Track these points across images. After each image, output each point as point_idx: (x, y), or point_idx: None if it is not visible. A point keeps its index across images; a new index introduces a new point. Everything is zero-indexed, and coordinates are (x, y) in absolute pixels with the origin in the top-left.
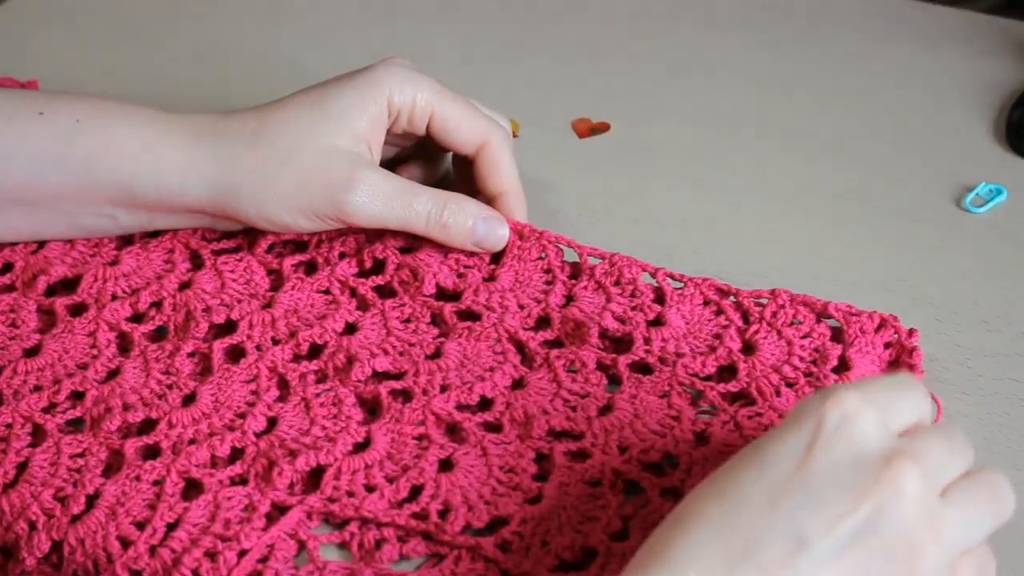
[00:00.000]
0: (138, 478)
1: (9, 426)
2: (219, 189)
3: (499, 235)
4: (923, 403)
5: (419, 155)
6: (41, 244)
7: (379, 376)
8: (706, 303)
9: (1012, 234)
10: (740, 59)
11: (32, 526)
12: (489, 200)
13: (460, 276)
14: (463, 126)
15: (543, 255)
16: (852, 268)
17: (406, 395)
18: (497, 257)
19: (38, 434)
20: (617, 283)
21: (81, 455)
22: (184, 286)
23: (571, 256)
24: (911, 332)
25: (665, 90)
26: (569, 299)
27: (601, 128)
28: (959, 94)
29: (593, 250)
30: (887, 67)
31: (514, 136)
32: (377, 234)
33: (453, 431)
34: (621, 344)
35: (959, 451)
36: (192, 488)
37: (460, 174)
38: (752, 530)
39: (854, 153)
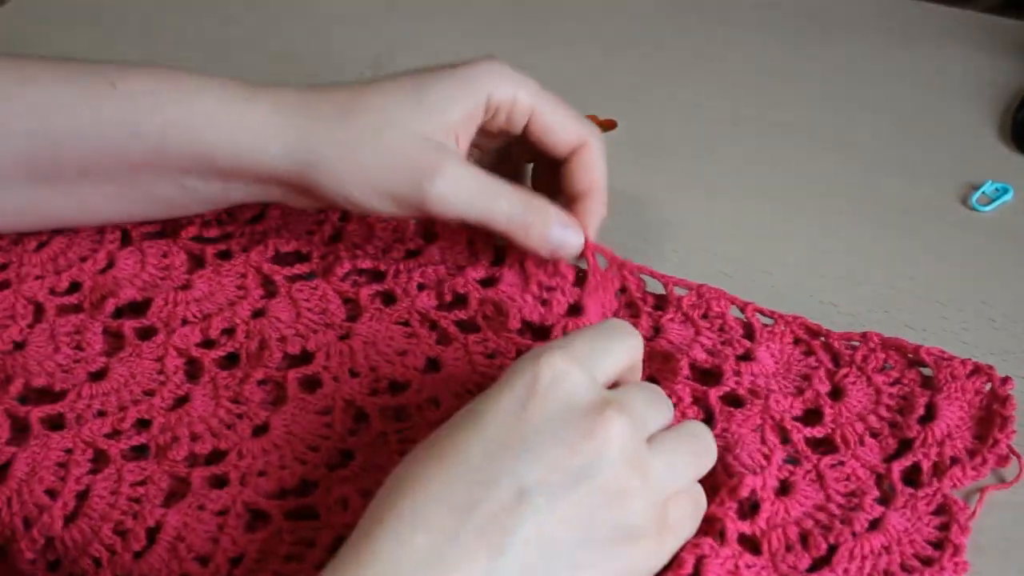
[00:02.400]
0: (202, 507)
1: (69, 451)
2: (299, 159)
3: (573, 244)
4: (629, 350)
5: (500, 166)
6: (110, 264)
7: None
8: (796, 342)
9: (1018, 232)
10: (745, 58)
11: (97, 563)
12: (571, 198)
13: (545, 304)
14: (565, 127)
15: (623, 289)
16: (859, 267)
17: None
18: (579, 280)
19: (100, 460)
20: (705, 316)
21: (142, 483)
22: (258, 314)
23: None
24: (1005, 380)
25: (672, 88)
26: (656, 330)
27: (608, 126)
28: (965, 93)
29: (679, 281)
30: (893, 67)
31: (611, 129)
32: (457, 267)
33: None
34: (710, 377)
35: (661, 404)
36: (258, 519)
37: (539, 181)
38: (475, 485)
39: (860, 152)
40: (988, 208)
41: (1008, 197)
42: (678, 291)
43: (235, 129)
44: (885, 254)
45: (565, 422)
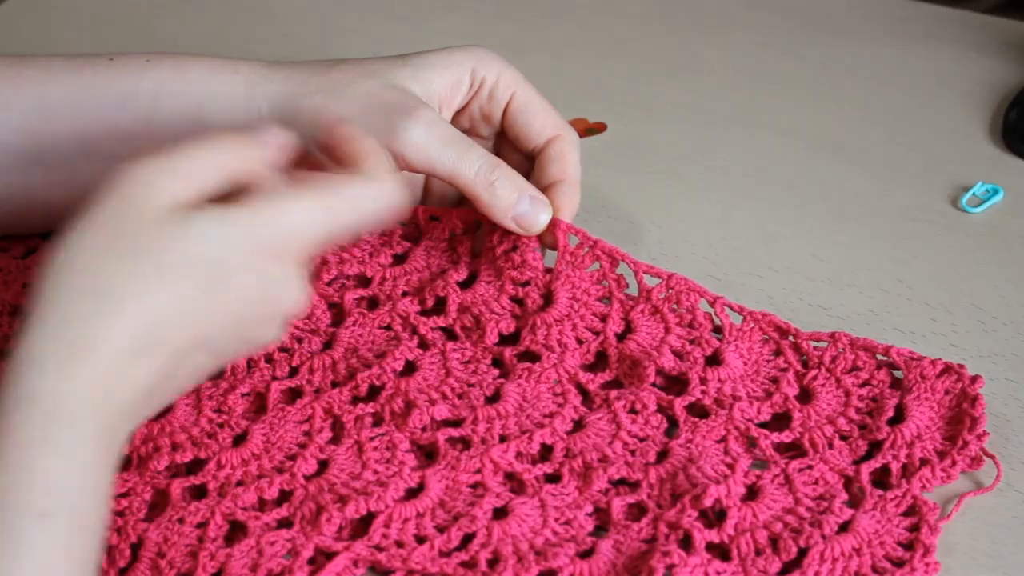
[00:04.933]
0: (181, 520)
1: None
2: (283, 108)
3: (540, 219)
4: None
5: None
6: None
7: (437, 422)
8: (765, 340)
9: (1008, 234)
10: (737, 59)
11: None
12: (543, 190)
13: (520, 303)
14: (540, 115)
15: (597, 265)
16: (848, 268)
17: (464, 443)
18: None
19: None
20: (675, 309)
21: (125, 495)
22: None
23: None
24: (975, 379)
25: (662, 90)
26: (626, 324)
27: (598, 128)
28: (956, 94)
29: (649, 268)
30: (884, 67)
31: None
32: (439, 271)
33: (511, 478)
34: (677, 383)
35: None
36: (236, 530)
37: None
38: None
39: (851, 153)
40: (978, 209)
41: (998, 198)
42: (649, 280)
43: (225, 84)
44: (874, 256)
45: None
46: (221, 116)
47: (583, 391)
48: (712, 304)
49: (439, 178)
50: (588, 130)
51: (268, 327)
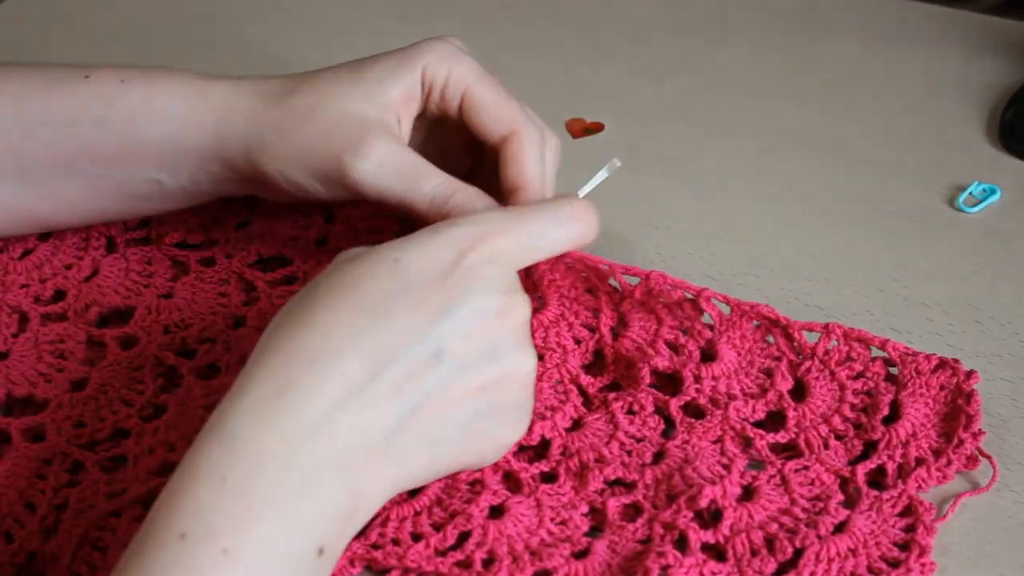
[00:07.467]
0: None
1: (48, 462)
2: (247, 141)
3: None
4: (557, 244)
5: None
6: (95, 271)
7: None
8: (756, 326)
9: (1005, 234)
10: (735, 59)
11: None
12: (506, 194)
13: None
14: (492, 109)
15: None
16: (845, 268)
17: None
18: (528, 270)
19: (77, 471)
20: (663, 303)
21: (120, 494)
22: (239, 323)
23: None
24: (970, 374)
25: (660, 90)
26: (619, 317)
27: (595, 128)
28: (953, 94)
29: (627, 268)
30: (881, 67)
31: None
32: None
33: (508, 477)
34: (671, 381)
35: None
36: None
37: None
38: (395, 340)
39: (848, 153)
40: (975, 209)
41: (995, 198)
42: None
43: (196, 113)
44: (871, 256)
45: (482, 299)
46: (192, 143)
47: (583, 393)
48: (696, 297)
49: (395, 209)
50: (585, 130)
51: (509, 342)
